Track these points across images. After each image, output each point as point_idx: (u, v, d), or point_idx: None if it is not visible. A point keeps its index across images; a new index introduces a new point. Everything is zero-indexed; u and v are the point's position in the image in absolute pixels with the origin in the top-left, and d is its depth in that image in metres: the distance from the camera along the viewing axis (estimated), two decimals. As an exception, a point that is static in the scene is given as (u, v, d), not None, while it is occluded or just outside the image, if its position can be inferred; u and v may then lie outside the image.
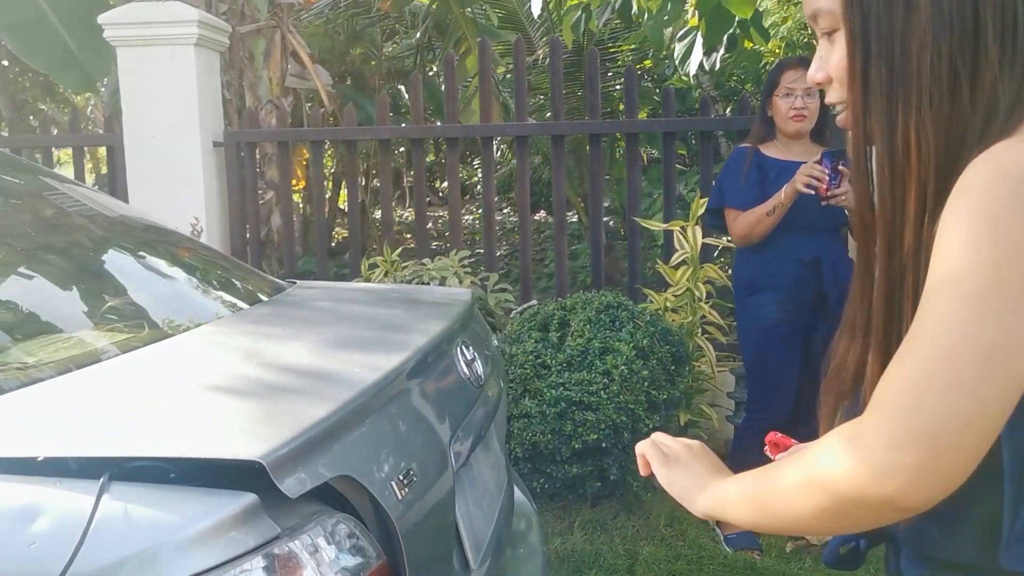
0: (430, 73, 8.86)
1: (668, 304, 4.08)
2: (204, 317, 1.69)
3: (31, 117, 8.53)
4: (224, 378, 1.35)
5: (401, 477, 1.27)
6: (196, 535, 1.00)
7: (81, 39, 4.92)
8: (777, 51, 8.78)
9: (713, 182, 3.68)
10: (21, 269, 1.76)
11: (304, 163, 7.30)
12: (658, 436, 1.18)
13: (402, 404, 1.37)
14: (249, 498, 1.04)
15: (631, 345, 3.45)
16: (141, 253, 2.05)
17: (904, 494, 0.84)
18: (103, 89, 6.52)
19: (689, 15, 5.26)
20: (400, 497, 1.25)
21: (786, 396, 3.32)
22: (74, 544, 0.97)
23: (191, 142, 4.46)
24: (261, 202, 5.33)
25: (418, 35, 7.89)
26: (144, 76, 4.44)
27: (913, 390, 0.84)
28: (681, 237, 4.04)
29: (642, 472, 1.16)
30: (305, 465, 1.12)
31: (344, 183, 7.55)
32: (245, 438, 1.11)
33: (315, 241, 4.88)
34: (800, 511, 0.93)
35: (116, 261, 1.98)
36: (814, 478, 0.91)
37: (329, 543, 1.13)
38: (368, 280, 4.16)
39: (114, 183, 4.71)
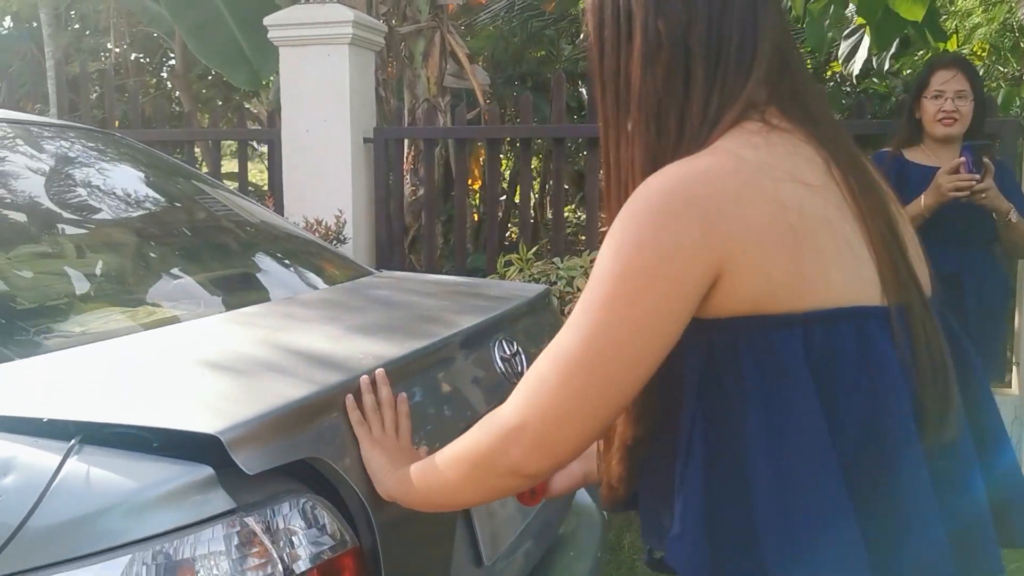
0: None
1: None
2: (260, 299, 1.76)
3: (218, 111, 9.18)
4: (232, 355, 1.38)
5: None
6: (147, 501, 1.03)
7: (252, 40, 5.24)
8: (981, 53, 8.21)
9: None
10: (132, 252, 1.90)
11: (481, 162, 7.46)
12: (382, 403, 1.27)
13: (405, 392, 1.36)
14: (205, 471, 1.06)
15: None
16: (244, 244, 2.16)
17: (522, 463, 0.99)
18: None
19: (855, 16, 4.99)
20: None
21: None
22: (33, 500, 1.02)
23: (342, 138, 4.65)
24: (413, 198, 5.49)
25: (581, 36, 7.88)
26: (302, 74, 4.66)
27: (538, 379, 0.97)
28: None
29: (350, 412, 1.25)
30: (271, 443, 1.13)
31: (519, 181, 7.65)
32: (215, 412, 1.13)
33: (455, 236, 4.97)
34: (452, 479, 1.07)
35: (221, 251, 2.10)
36: (463, 449, 1.06)
37: (293, 522, 1.14)
38: (502, 277, 4.19)
39: (273, 176, 4.97)
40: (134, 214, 2.04)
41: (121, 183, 2.12)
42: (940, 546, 0.92)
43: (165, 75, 10.90)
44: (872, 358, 0.92)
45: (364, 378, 1.28)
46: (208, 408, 1.16)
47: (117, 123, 5.87)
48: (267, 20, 4.66)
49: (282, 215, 4.62)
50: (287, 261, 2.14)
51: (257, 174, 9.99)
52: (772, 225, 0.91)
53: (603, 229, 1.11)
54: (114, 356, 1.39)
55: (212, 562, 1.05)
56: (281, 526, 1.12)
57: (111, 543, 1.02)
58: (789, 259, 0.91)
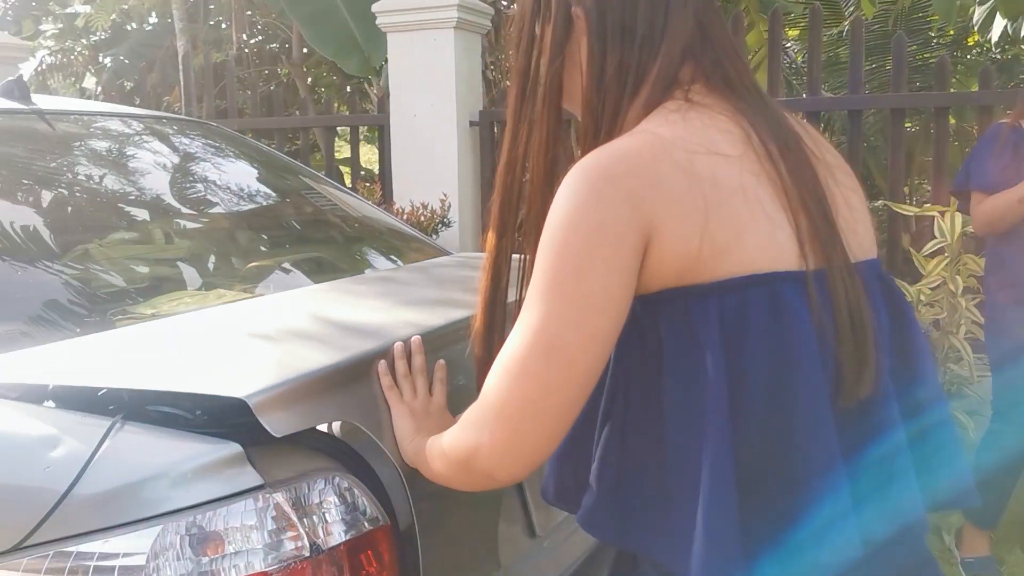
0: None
1: (922, 297, 3.70)
2: (329, 278, 1.83)
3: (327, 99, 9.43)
4: (284, 325, 1.43)
5: None
6: (179, 475, 1.08)
7: (363, 27, 5.35)
8: None
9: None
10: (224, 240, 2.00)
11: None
12: (415, 370, 1.27)
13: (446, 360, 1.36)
14: (235, 447, 1.11)
15: (861, 340, 3.18)
16: (326, 227, 2.24)
17: (492, 468, 1.00)
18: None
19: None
20: None
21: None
22: (76, 472, 1.09)
23: (448, 121, 4.70)
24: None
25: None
26: (409, 59, 4.74)
27: (499, 376, 0.97)
28: (941, 223, 3.64)
29: (381, 377, 1.26)
30: (299, 407, 1.14)
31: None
32: (247, 378, 1.15)
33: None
34: (442, 470, 1.10)
35: (304, 234, 2.18)
36: (448, 444, 1.07)
37: (323, 499, 1.17)
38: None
39: (383, 160, 5.08)
40: (222, 200, 2.13)
41: (209, 171, 2.22)
42: (844, 506, 0.93)
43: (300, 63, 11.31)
44: (785, 322, 0.93)
45: (398, 344, 1.29)
46: (242, 374, 1.18)
47: (254, 112, 6.11)
48: (375, 7, 4.75)
49: (390, 199, 4.73)
50: (365, 243, 2.20)
51: (373, 158, 10.24)
52: (687, 197, 0.94)
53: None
54: (183, 328, 1.47)
55: (241, 535, 1.09)
56: (310, 502, 1.16)
57: (145, 513, 1.07)
58: (703, 229, 0.93)
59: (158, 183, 2.07)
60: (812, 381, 0.94)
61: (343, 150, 9.92)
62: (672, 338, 0.96)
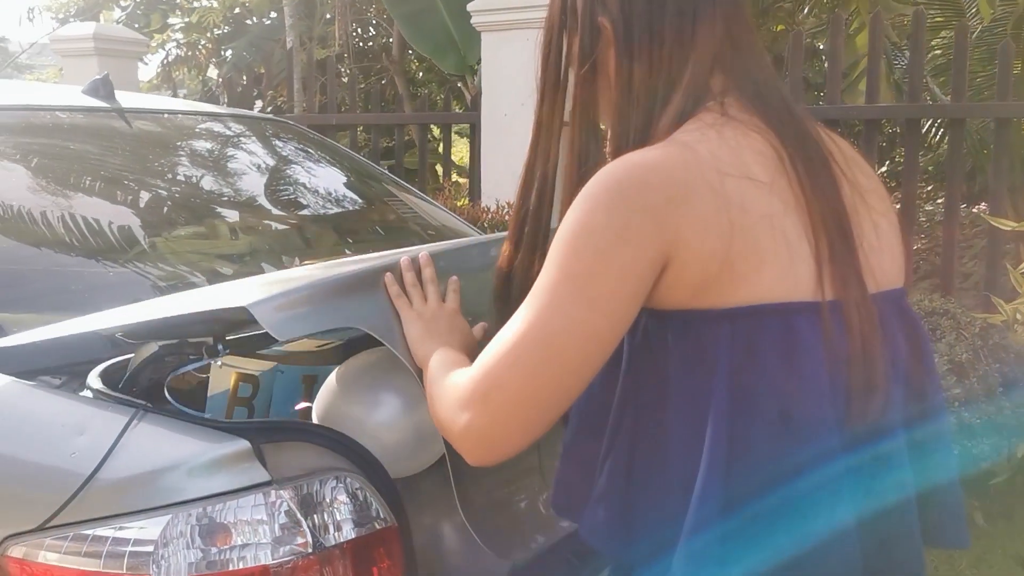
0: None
1: (1019, 316, 3.52)
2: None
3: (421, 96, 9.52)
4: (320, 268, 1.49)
5: None
6: (192, 468, 1.13)
7: (460, 25, 5.42)
8: None
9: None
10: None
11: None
12: (425, 280, 1.26)
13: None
14: (243, 444, 1.15)
15: (946, 359, 3.06)
16: (396, 231, 2.32)
17: (462, 447, 0.99)
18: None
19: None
20: None
21: None
22: (99, 459, 1.16)
23: (537, 121, 4.70)
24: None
25: (805, 11, 7.46)
26: (502, 58, 4.76)
27: (491, 358, 0.97)
28: (1042, 239, 3.47)
29: (389, 287, 1.25)
30: (302, 312, 1.16)
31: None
32: (250, 294, 1.18)
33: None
34: (434, 414, 1.08)
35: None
36: (434, 398, 1.07)
37: (329, 498, 1.20)
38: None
39: (474, 158, 5.13)
40: (282, 197, 2.21)
41: (275, 167, 2.30)
42: (848, 533, 0.93)
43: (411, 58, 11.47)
44: (796, 354, 0.92)
45: (404, 258, 1.28)
46: (247, 293, 1.21)
47: (352, 108, 6.27)
48: (470, 7, 4.79)
49: (478, 197, 4.77)
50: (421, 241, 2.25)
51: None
52: (715, 219, 0.92)
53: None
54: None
55: (248, 528, 1.14)
56: (319, 500, 1.19)
57: (158, 502, 1.13)
58: (725, 254, 0.92)
59: (223, 179, 2.16)
60: (820, 414, 0.93)
61: (440, 145, 10.06)
62: (680, 357, 0.95)
